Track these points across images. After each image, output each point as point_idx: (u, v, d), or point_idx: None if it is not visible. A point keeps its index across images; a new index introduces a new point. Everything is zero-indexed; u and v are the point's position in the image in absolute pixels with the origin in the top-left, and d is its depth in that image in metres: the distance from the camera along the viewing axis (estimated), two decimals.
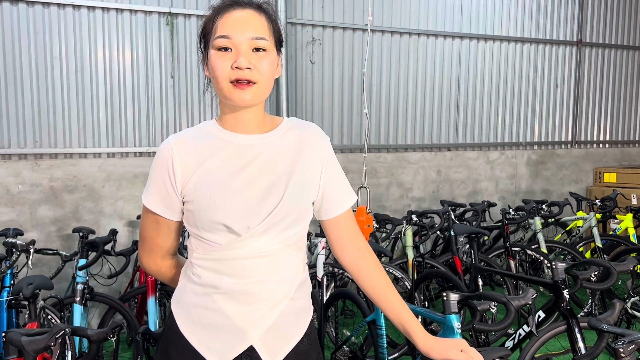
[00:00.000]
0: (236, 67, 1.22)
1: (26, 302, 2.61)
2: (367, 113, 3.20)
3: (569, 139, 6.46)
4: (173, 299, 1.37)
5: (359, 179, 5.29)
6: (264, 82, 1.26)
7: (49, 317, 3.03)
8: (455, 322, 2.16)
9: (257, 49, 1.24)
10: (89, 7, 4.31)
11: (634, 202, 5.71)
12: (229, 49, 1.23)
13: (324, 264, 3.61)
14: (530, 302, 2.17)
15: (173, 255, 1.44)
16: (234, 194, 1.26)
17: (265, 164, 1.30)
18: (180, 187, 1.28)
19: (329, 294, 3.68)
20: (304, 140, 1.38)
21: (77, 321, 3.09)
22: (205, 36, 1.29)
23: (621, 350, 1.68)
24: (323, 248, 3.65)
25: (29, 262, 3.21)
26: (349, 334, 3.57)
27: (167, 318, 1.39)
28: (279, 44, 1.33)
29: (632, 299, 3.67)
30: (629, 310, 3.65)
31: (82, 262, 3.22)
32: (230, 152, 1.29)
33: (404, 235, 4.15)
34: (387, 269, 3.78)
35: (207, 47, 1.29)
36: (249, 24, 1.24)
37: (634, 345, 1.69)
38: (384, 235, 4.74)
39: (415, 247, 4.20)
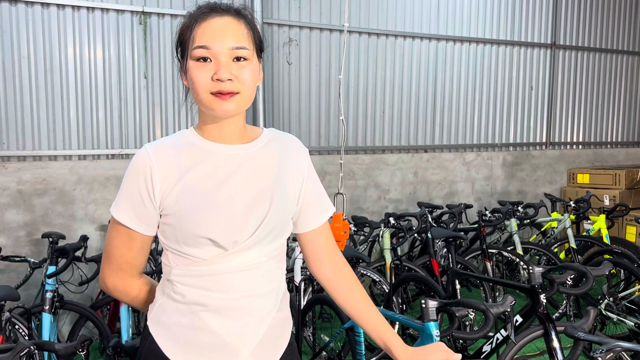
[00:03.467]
0: (217, 79, 1.17)
1: None
2: (344, 120, 3.14)
3: (544, 140, 6.54)
4: (151, 320, 1.30)
5: (337, 180, 5.27)
6: (246, 92, 1.22)
7: (17, 326, 2.92)
8: (434, 330, 2.15)
9: (238, 58, 1.20)
10: (58, 5, 4.17)
11: (606, 202, 5.81)
12: (208, 59, 1.18)
13: (302, 268, 3.57)
14: (508, 310, 2.17)
15: (141, 273, 1.37)
16: (220, 207, 1.21)
17: (248, 175, 1.26)
18: (159, 199, 1.22)
19: (306, 298, 3.64)
20: (285, 152, 1.35)
21: (47, 331, 2.99)
22: (183, 44, 1.23)
23: (599, 358, 1.68)
24: (301, 252, 3.61)
25: None
26: (327, 338, 3.54)
27: (142, 340, 1.32)
28: (259, 50, 1.28)
29: (606, 301, 3.72)
30: (603, 312, 3.70)
31: (52, 269, 3.12)
32: (213, 163, 1.24)
33: (382, 238, 4.14)
34: (365, 272, 3.76)
35: (184, 55, 1.23)
36: (228, 33, 1.19)
37: (612, 354, 1.69)
38: (361, 238, 4.72)
39: (393, 250, 4.19)
